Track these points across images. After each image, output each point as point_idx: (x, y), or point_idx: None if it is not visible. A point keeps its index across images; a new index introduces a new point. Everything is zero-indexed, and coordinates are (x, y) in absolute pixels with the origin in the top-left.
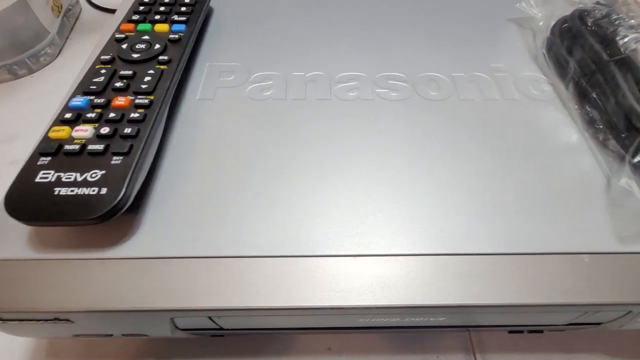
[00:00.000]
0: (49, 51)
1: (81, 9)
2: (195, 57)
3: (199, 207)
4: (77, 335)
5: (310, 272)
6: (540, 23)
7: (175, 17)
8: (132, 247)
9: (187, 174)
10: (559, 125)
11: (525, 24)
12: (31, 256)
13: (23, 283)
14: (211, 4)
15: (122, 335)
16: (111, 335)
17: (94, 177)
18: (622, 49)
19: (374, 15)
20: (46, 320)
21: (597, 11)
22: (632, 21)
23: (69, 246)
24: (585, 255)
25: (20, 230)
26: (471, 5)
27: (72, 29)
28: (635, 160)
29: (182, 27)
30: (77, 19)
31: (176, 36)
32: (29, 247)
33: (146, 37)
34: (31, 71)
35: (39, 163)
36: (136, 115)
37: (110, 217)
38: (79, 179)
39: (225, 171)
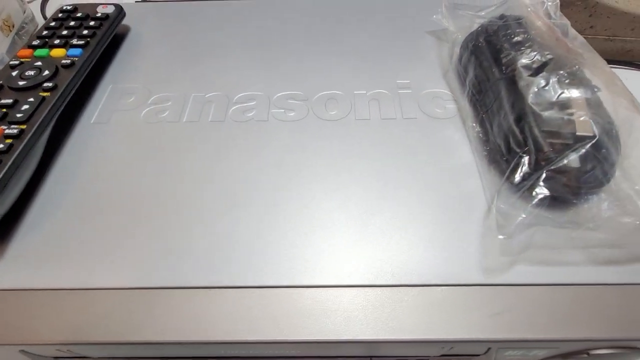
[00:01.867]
0: None
1: (37, 25)
2: (100, 79)
3: (67, 236)
4: None
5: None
6: (454, 36)
7: (74, 41)
8: None
9: (62, 200)
10: (453, 145)
11: (444, 36)
12: None
13: None
14: (130, 22)
15: None
16: None
17: None
18: (505, 68)
19: (284, 31)
20: None
21: (497, 26)
22: (519, 37)
23: None
24: (440, 287)
25: None
26: (392, 17)
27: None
28: (505, 186)
29: (79, 51)
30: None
31: (68, 61)
32: None
33: (39, 63)
34: None
35: None
36: (1, 146)
37: None
38: None
39: (101, 196)
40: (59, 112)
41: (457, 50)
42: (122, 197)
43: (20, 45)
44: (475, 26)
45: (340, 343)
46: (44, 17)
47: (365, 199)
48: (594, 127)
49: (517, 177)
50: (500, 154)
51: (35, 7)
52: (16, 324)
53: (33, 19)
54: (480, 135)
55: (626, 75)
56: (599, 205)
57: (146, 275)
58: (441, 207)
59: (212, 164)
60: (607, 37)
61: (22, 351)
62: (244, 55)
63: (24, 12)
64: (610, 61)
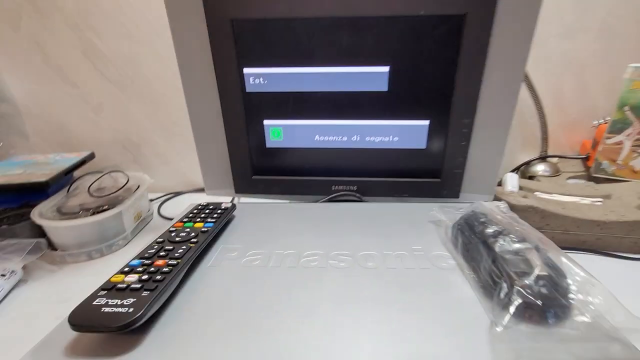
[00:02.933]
0: (120, 242)
1: (152, 217)
2: (216, 242)
3: (184, 339)
4: None
5: None
6: (445, 223)
7: (208, 219)
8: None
9: (185, 314)
10: (457, 284)
11: (439, 224)
12: None
13: None
14: (235, 214)
15: None
16: None
17: (128, 303)
18: (479, 236)
19: (334, 217)
20: None
21: (470, 216)
22: (484, 220)
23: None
24: None
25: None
26: (402, 215)
27: (142, 229)
28: (497, 300)
29: (211, 224)
30: (147, 224)
31: (205, 229)
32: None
33: (188, 230)
34: (102, 255)
35: (98, 294)
36: (166, 269)
37: (131, 326)
38: (119, 302)
39: (210, 313)
40: (195, 256)
41: (448, 230)
42: (224, 315)
43: (139, 228)
44: (457, 217)
45: None
46: (159, 213)
47: (396, 321)
48: (539, 260)
49: (502, 295)
50: (489, 286)
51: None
52: None
53: (152, 213)
54: (474, 277)
55: (582, 258)
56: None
57: None
58: (456, 326)
59: (289, 295)
60: (562, 232)
61: None
62: (310, 233)
63: (148, 210)
64: (568, 248)
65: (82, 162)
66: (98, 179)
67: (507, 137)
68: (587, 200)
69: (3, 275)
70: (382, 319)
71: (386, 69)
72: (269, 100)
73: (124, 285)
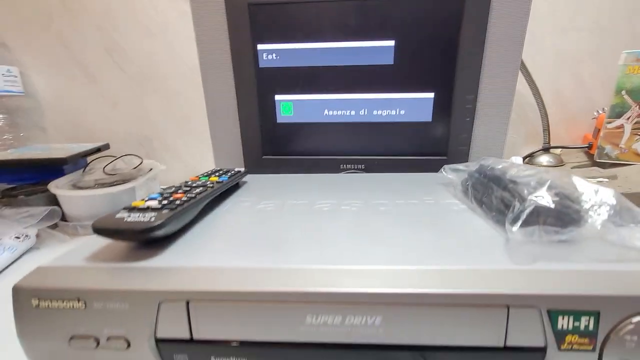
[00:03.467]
0: None
1: None
2: (229, 197)
3: (203, 251)
4: None
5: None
6: (456, 181)
7: (222, 175)
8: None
9: (204, 236)
10: (471, 218)
11: (449, 184)
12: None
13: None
14: (247, 179)
15: None
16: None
17: (149, 215)
18: (489, 178)
19: (344, 182)
20: None
21: (483, 166)
22: (492, 168)
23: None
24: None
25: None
26: (412, 181)
27: None
28: (510, 216)
29: (225, 178)
30: None
31: (219, 180)
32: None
33: (204, 180)
34: None
35: (120, 211)
36: (184, 199)
37: (151, 232)
38: (140, 215)
39: (227, 233)
40: (208, 199)
41: (458, 187)
42: (241, 236)
43: None
44: (464, 174)
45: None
46: None
47: (412, 238)
48: (550, 176)
49: (515, 210)
50: (502, 212)
51: None
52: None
53: None
54: (487, 212)
55: None
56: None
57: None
58: (470, 241)
59: (303, 227)
60: None
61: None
62: (322, 190)
63: None
64: None
65: (97, 149)
66: (112, 161)
67: (510, 113)
68: (593, 181)
69: (17, 238)
70: (396, 235)
71: (391, 43)
72: (280, 76)
73: (145, 206)
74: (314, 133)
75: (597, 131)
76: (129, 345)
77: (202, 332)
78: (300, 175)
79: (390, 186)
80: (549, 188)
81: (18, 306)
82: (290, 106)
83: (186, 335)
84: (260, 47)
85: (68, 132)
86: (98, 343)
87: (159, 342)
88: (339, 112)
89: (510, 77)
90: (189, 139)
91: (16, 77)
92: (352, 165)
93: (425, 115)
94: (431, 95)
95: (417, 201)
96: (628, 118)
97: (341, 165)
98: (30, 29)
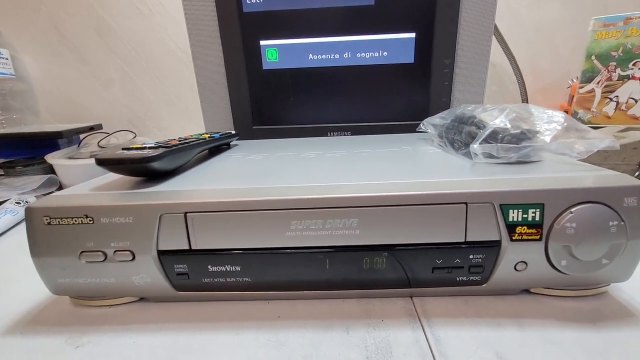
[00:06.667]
0: None
1: None
2: (219, 154)
3: (199, 182)
4: None
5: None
6: (432, 133)
7: (214, 134)
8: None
9: (199, 174)
10: (446, 156)
11: (427, 137)
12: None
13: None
14: (238, 143)
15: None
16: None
17: (147, 150)
18: (464, 118)
19: (330, 143)
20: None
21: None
22: (467, 108)
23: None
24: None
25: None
26: (393, 139)
27: None
28: (474, 145)
29: (217, 135)
30: None
31: (210, 136)
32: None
33: (197, 136)
34: None
35: (118, 150)
36: (178, 143)
37: (149, 162)
38: (138, 151)
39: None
40: (201, 148)
41: (436, 140)
42: (234, 174)
43: None
44: (440, 127)
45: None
46: None
47: (389, 167)
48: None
49: (479, 135)
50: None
51: None
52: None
53: None
54: (457, 147)
55: None
56: None
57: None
58: (440, 168)
59: (292, 168)
60: None
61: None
62: (308, 146)
63: None
64: None
65: (90, 128)
66: (107, 136)
67: (486, 77)
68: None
69: (18, 203)
70: (375, 168)
71: None
72: (264, 20)
73: (142, 145)
74: (300, 83)
75: (571, 98)
76: (133, 257)
77: (199, 243)
78: (290, 139)
79: (373, 142)
80: (507, 114)
81: (30, 225)
82: (276, 52)
83: (185, 246)
84: None
85: (60, 114)
86: (106, 257)
87: (161, 253)
88: (323, 56)
89: (484, 40)
90: (181, 118)
91: (7, 59)
92: (339, 133)
93: (407, 56)
94: (412, 35)
95: (397, 149)
96: (598, 82)
97: (328, 133)
98: (21, 11)
